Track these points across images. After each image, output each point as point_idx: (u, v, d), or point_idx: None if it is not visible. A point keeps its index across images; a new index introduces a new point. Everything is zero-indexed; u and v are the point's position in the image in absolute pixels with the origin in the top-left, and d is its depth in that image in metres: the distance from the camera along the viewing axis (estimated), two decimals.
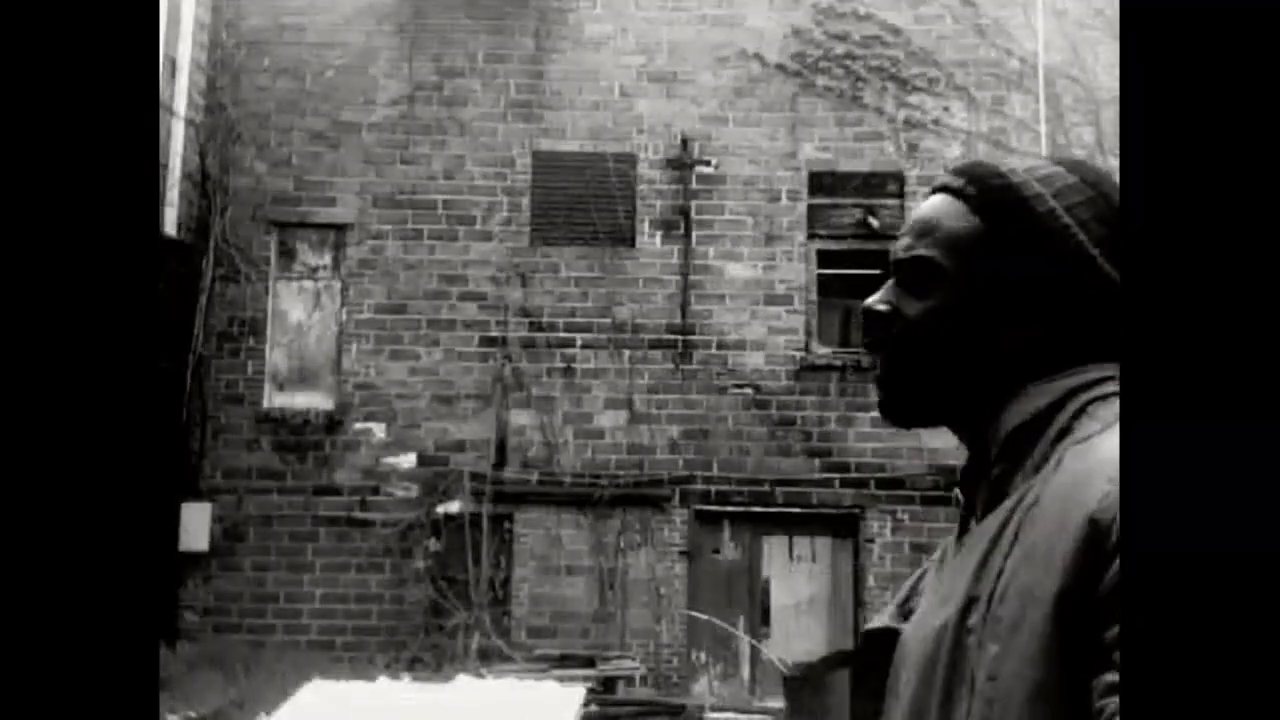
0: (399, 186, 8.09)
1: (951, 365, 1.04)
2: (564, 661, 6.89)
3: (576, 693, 4.71)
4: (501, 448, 7.85)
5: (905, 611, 1.11)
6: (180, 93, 7.85)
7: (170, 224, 7.69)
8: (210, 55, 8.13)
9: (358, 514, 7.77)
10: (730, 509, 7.78)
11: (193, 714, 5.97)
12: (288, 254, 8.14)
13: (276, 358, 8.04)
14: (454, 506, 7.76)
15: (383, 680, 4.92)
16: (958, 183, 1.07)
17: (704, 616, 7.49)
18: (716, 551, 7.89)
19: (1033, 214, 1.02)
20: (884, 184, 8.10)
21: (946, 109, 8.15)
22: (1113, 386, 0.98)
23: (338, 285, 8.08)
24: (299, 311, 8.10)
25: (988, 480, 1.00)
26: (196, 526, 7.60)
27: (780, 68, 8.17)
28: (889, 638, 1.08)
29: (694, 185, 8.07)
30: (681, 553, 7.79)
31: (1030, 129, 8.15)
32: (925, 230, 1.07)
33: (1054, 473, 0.91)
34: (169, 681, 6.38)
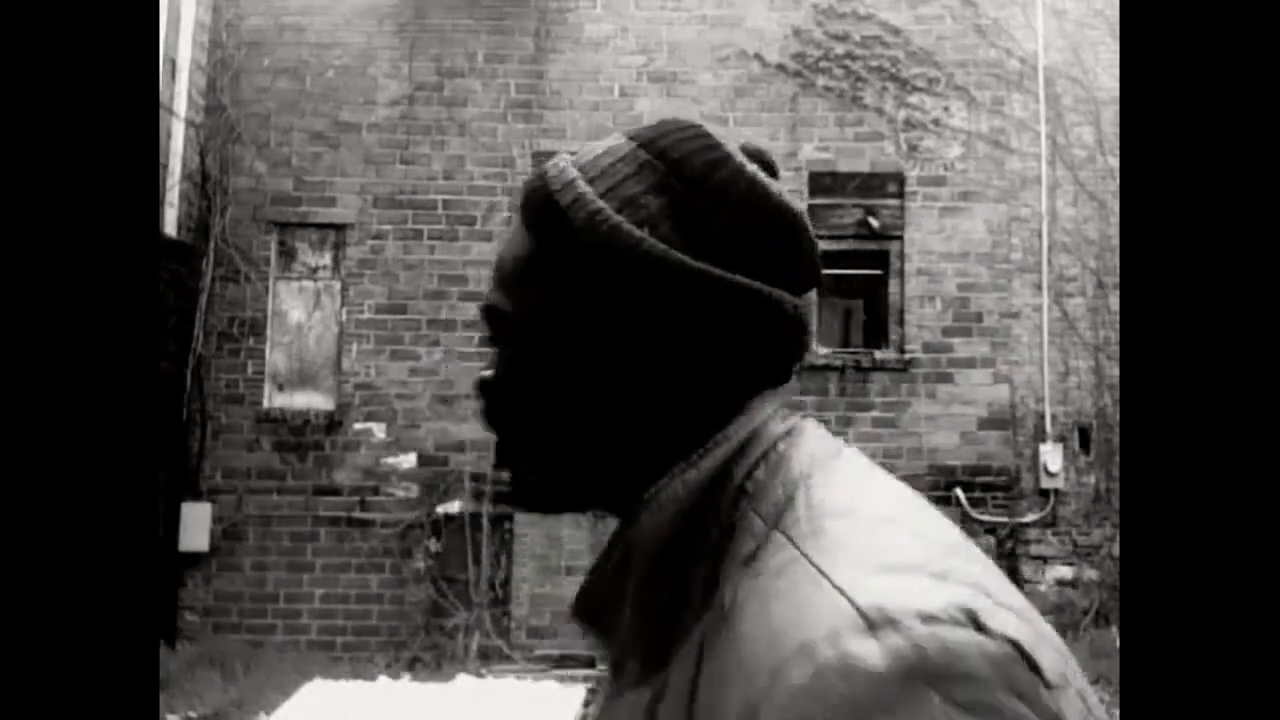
0: (399, 186, 8.09)
1: (550, 434, 0.78)
2: (564, 661, 6.88)
3: (576, 693, 4.71)
4: None
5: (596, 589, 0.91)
6: (180, 93, 7.85)
7: (170, 224, 7.69)
8: (210, 55, 8.13)
9: (358, 514, 7.77)
10: None
11: (193, 714, 5.97)
12: (288, 254, 8.14)
13: (276, 358, 8.04)
14: (454, 506, 7.76)
15: (383, 680, 4.92)
16: (519, 199, 0.84)
17: None
18: None
19: (565, 215, 0.77)
20: (884, 184, 8.10)
21: (946, 109, 8.15)
22: (769, 433, 0.74)
23: (338, 285, 8.08)
24: (299, 311, 8.10)
25: (641, 605, 0.76)
26: (196, 526, 7.60)
27: (780, 68, 8.17)
28: None
29: None
30: None
31: (1030, 129, 8.15)
32: (495, 270, 0.82)
33: (724, 623, 0.66)
34: (169, 681, 6.38)
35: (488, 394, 0.82)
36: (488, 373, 0.82)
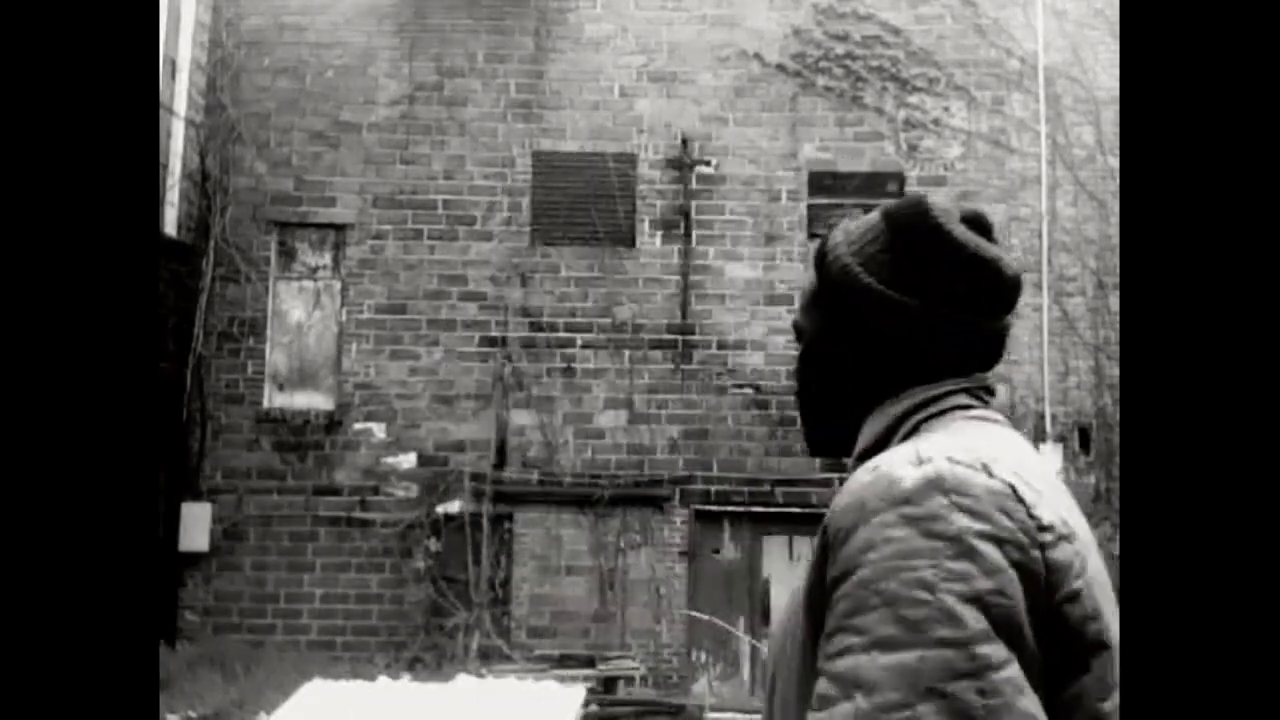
0: (399, 186, 8.09)
1: (818, 403, 1.25)
2: (564, 661, 6.89)
3: (576, 693, 4.71)
4: (501, 448, 7.86)
5: None
6: (180, 93, 7.85)
7: (170, 224, 7.69)
8: (210, 55, 8.13)
9: (358, 514, 7.77)
10: (730, 509, 7.79)
11: (193, 714, 5.97)
12: (288, 254, 8.14)
13: (276, 358, 8.04)
14: (454, 506, 7.76)
15: (383, 680, 4.92)
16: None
17: (704, 616, 7.49)
18: (716, 551, 7.89)
19: (827, 264, 1.22)
20: (884, 184, 8.10)
21: (946, 109, 8.15)
22: (939, 405, 1.13)
23: (338, 285, 8.08)
24: (299, 311, 8.10)
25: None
26: (196, 526, 7.60)
27: (780, 68, 8.17)
28: None
29: (694, 185, 8.08)
30: (681, 553, 7.79)
31: (1030, 129, 8.15)
32: (801, 297, 1.30)
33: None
34: (169, 681, 6.38)
35: (798, 376, 1.29)
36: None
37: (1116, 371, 8.00)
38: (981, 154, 8.12)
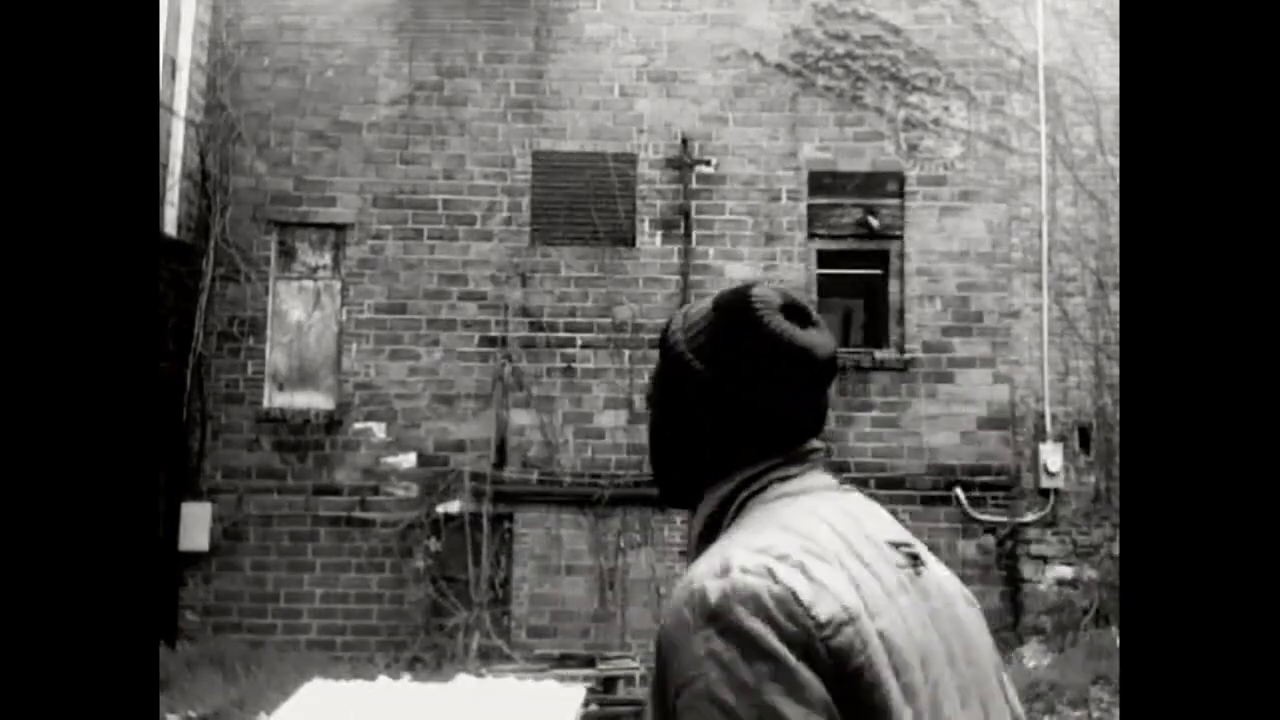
0: (399, 186, 8.09)
1: (663, 467, 1.41)
2: (564, 661, 6.88)
3: (576, 692, 4.71)
4: (501, 448, 7.86)
5: None
6: (180, 93, 7.85)
7: (170, 224, 7.69)
8: (210, 55, 8.13)
9: (358, 514, 7.77)
10: None
11: (193, 714, 5.97)
12: (288, 254, 8.14)
13: (276, 358, 8.04)
14: (454, 506, 7.76)
15: (383, 680, 4.91)
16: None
17: None
18: None
19: (666, 347, 1.38)
20: (884, 184, 8.10)
21: (946, 109, 8.15)
22: (759, 484, 1.28)
23: (338, 285, 8.08)
24: (299, 311, 8.10)
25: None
26: (196, 526, 7.60)
27: (780, 68, 8.17)
28: None
29: (694, 185, 8.08)
30: (681, 552, 7.79)
31: (1030, 129, 8.16)
32: (651, 372, 1.47)
33: None
34: (169, 681, 6.38)
35: (649, 440, 1.45)
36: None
37: (1116, 371, 8.00)
38: (981, 154, 8.12)
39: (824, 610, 1.12)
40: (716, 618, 1.10)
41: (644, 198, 8.07)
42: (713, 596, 1.11)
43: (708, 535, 1.27)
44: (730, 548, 1.18)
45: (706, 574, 1.14)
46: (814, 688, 1.07)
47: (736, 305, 1.33)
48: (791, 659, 1.07)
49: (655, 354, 1.37)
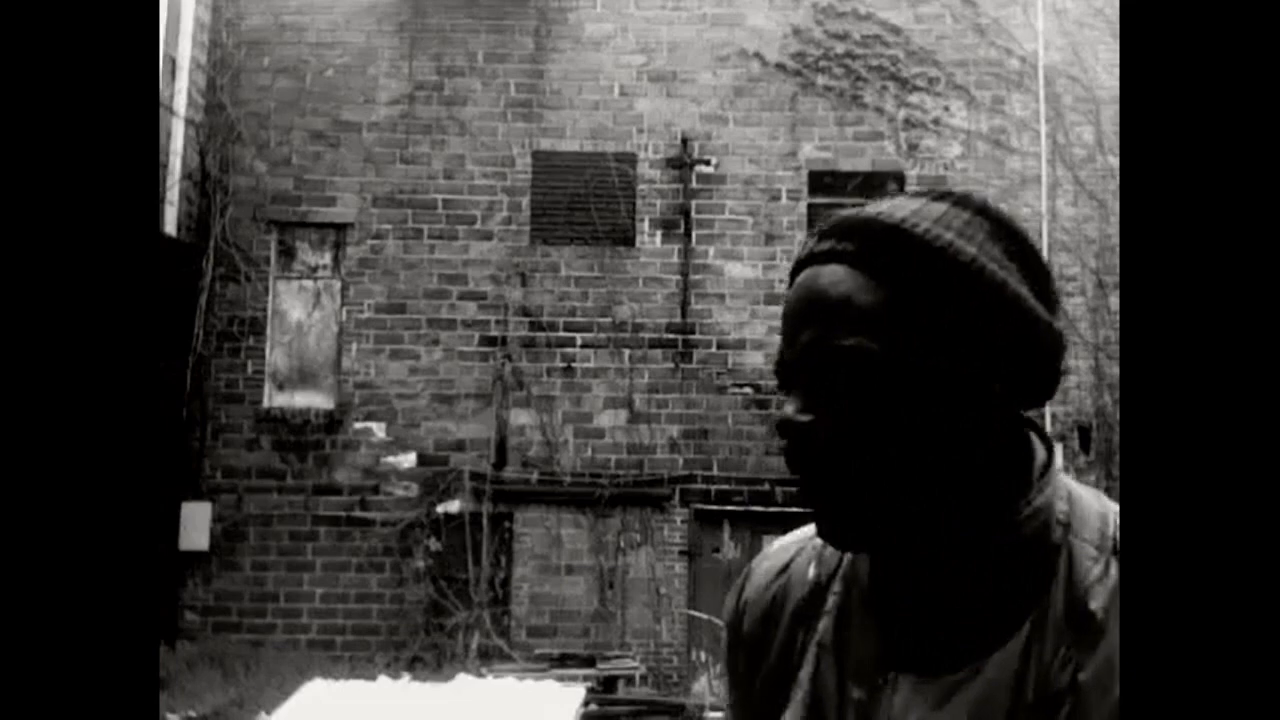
0: (399, 186, 8.09)
1: (894, 474, 0.83)
2: (564, 661, 6.89)
3: (576, 693, 4.71)
4: (501, 447, 7.86)
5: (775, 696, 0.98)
6: (180, 93, 7.85)
7: (170, 224, 7.69)
8: (210, 55, 8.13)
9: (358, 513, 7.77)
10: (730, 509, 7.78)
11: (193, 713, 5.97)
12: (288, 254, 8.14)
13: (276, 357, 8.04)
14: (454, 506, 7.76)
15: (383, 680, 4.92)
16: (843, 245, 0.87)
17: (704, 616, 7.48)
18: (716, 551, 7.89)
19: (949, 266, 0.84)
20: (884, 184, 8.10)
21: (946, 109, 8.15)
22: (1060, 473, 0.88)
23: (338, 285, 8.08)
24: (299, 311, 8.10)
25: (969, 606, 0.85)
26: (196, 526, 7.60)
27: (780, 67, 8.17)
28: None
29: (694, 185, 8.07)
30: (681, 552, 7.79)
31: (1030, 129, 8.15)
32: (833, 311, 0.84)
33: (1110, 629, 0.77)
34: (169, 681, 6.38)
35: (812, 437, 0.84)
36: (805, 417, 0.84)
37: (1116, 371, 8.00)
38: (981, 153, 8.12)
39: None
40: None
41: (644, 197, 8.07)
42: None
43: (1016, 570, 0.84)
44: None
45: None
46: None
47: (999, 212, 0.93)
48: None
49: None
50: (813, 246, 0.89)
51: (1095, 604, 0.78)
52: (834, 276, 0.85)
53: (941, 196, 0.91)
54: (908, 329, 0.82)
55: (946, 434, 0.83)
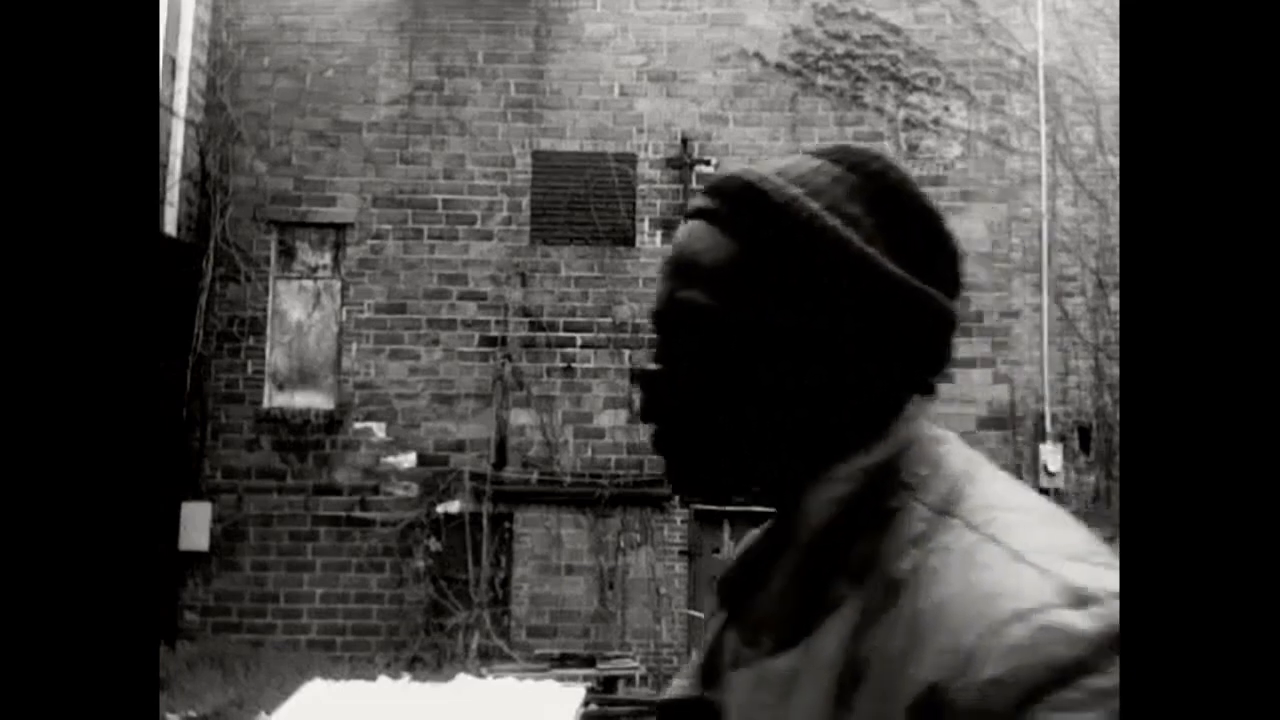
0: (399, 186, 8.09)
1: (733, 426, 0.84)
2: (564, 661, 6.89)
3: (576, 693, 4.71)
4: (501, 448, 7.86)
5: (710, 670, 0.98)
6: (180, 93, 7.85)
7: (170, 224, 7.69)
8: (210, 55, 8.13)
9: (358, 514, 7.77)
10: (730, 509, 7.79)
11: (193, 713, 5.97)
12: (288, 254, 8.14)
13: (276, 357, 8.04)
14: (454, 506, 7.76)
15: (383, 680, 4.91)
16: (707, 202, 0.88)
17: (704, 616, 7.48)
18: (717, 551, 7.90)
19: (790, 221, 0.83)
20: None
21: (946, 109, 8.15)
22: (931, 436, 0.84)
23: (338, 285, 8.08)
24: (299, 311, 8.10)
25: (797, 578, 0.84)
26: (196, 526, 7.60)
27: (780, 67, 8.17)
28: (694, 709, 0.95)
29: (694, 185, 8.07)
30: (681, 552, 7.79)
31: (1030, 129, 8.15)
32: (682, 267, 0.87)
33: (900, 595, 0.74)
34: (169, 681, 6.38)
35: (660, 386, 0.88)
36: (653, 366, 0.88)
37: (1116, 371, 7.99)
38: (981, 154, 8.12)
39: None
40: (1089, 673, 0.65)
41: (644, 197, 8.07)
42: (1083, 643, 0.66)
43: (838, 530, 0.82)
44: (1044, 558, 0.72)
45: (1046, 603, 0.68)
46: None
47: (883, 170, 0.91)
48: None
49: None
50: (690, 203, 0.91)
51: (903, 564, 0.75)
52: (691, 233, 0.89)
53: (828, 153, 0.91)
54: (750, 285, 0.83)
55: (785, 390, 0.83)
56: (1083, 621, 0.66)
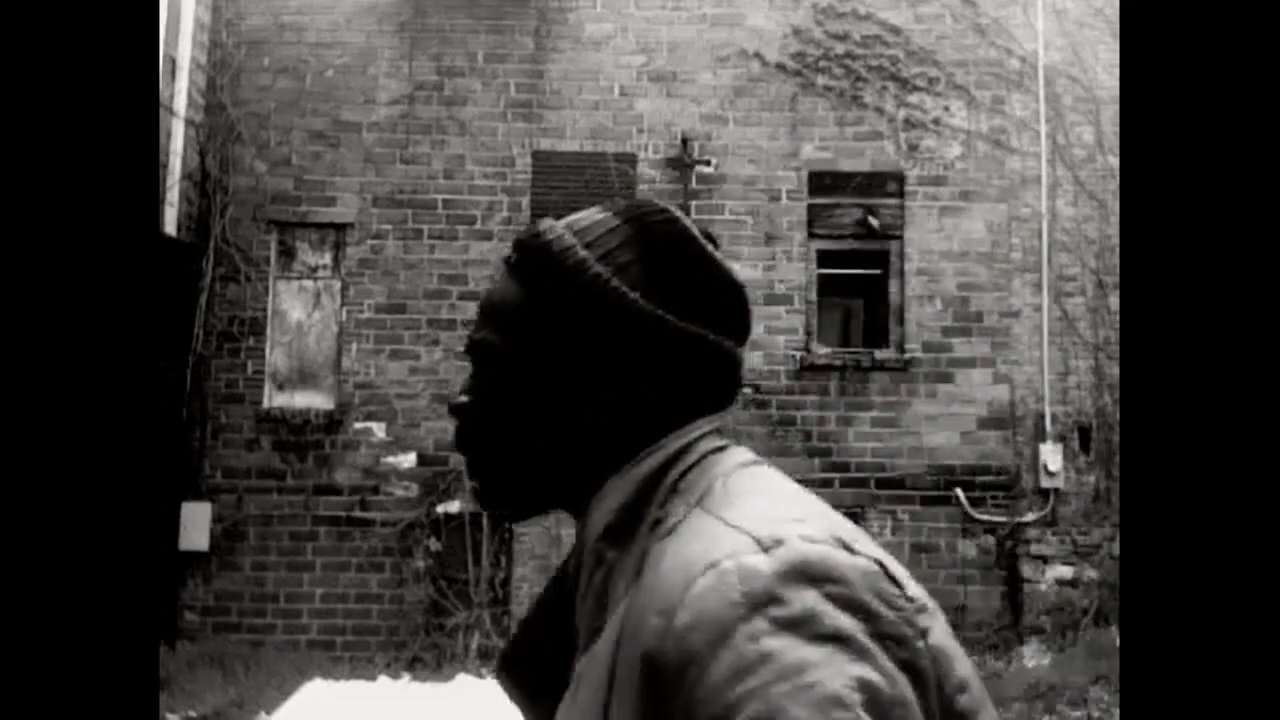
0: (399, 186, 8.09)
1: (524, 451, 0.98)
2: None
3: None
4: None
5: (528, 641, 1.04)
6: (180, 93, 7.85)
7: (170, 224, 7.69)
8: (210, 55, 8.13)
9: (358, 514, 7.77)
10: None
11: (193, 714, 5.97)
12: (288, 254, 8.14)
13: (276, 357, 8.04)
14: (454, 506, 7.76)
15: (383, 680, 4.91)
16: (510, 253, 1.03)
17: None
18: None
19: (562, 268, 0.96)
20: (884, 184, 8.10)
21: (946, 109, 8.15)
22: (701, 448, 0.92)
23: (338, 285, 8.08)
24: (299, 311, 8.10)
25: (589, 584, 0.90)
26: (196, 526, 7.60)
27: (780, 68, 8.17)
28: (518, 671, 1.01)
29: (694, 185, 8.07)
30: None
31: (1030, 129, 8.15)
32: (484, 311, 1.03)
33: (639, 580, 0.82)
34: (169, 681, 6.38)
35: (465, 416, 1.04)
36: (463, 398, 1.03)
37: (1116, 371, 8.00)
38: (981, 154, 8.12)
39: (917, 592, 0.79)
40: (775, 601, 0.72)
41: (644, 197, 8.07)
42: (764, 577, 0.73)
43: (618, 534, 0.88)
44: (747, 521, 0.79)
45: (736, 551, 0.76)
46: (914, 712, 0.72)
47: (666, 221, 1.00)
48: (891, 664, 0.72)
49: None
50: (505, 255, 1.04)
51: (615, 582, 0.85)
52: (498, 282, 1.02)
53: (621, 208, 1.03)
54: (530, 326, 0.97)
55: (561, 418, 0.95)
56: (764, 562, 0.74)
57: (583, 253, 0.96)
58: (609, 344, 0.94)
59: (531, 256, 0.99)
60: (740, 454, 0.94)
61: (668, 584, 0.77)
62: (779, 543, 0.75)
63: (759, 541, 0.76)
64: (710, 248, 1.00)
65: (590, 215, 1.03)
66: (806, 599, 0.72)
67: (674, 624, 0.73)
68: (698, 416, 0.95)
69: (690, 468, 0.90)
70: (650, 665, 0.74)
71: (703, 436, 0.93)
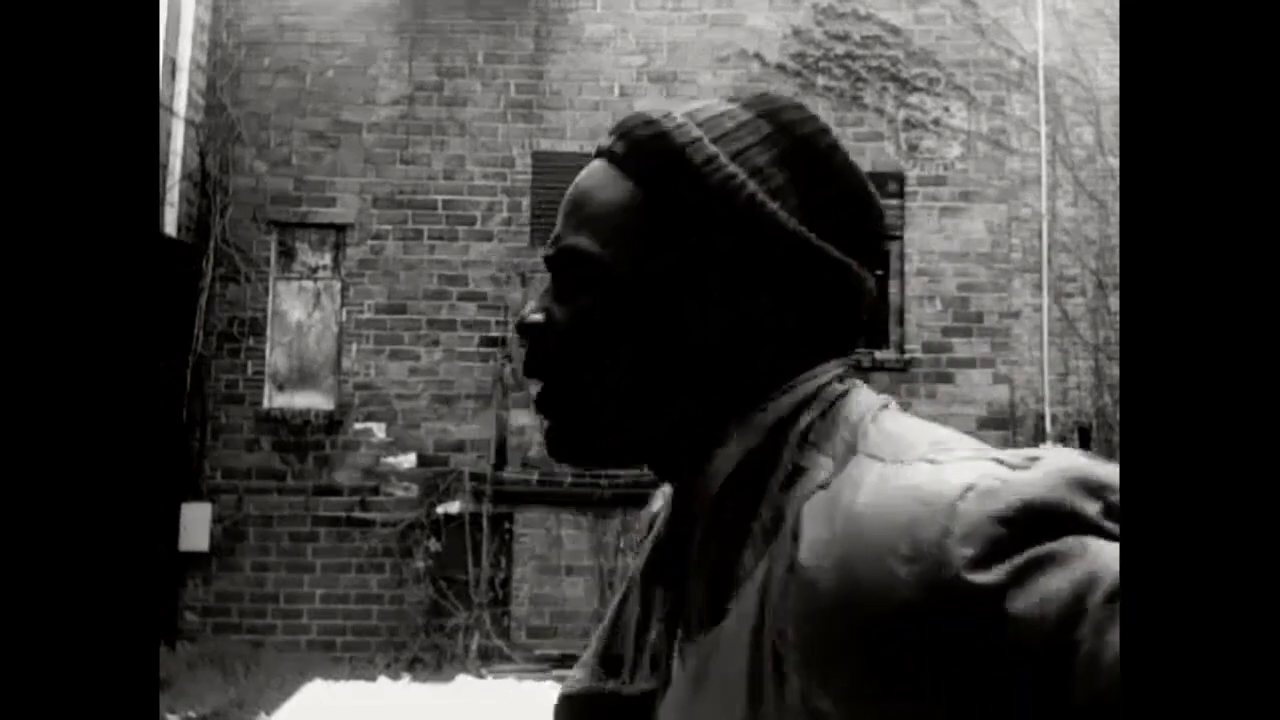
0: (399, 186, 8.09)
1: (618, 384, 0.77)
2: (564, 661, 6.89)
3: None
4: (501, 448, 7.86)
5: (610, 660, 0.88)
6: (180, 93, 7.85)
7: (170, 224, 7.69)
8: (210, 55, 8.13)
9: (358, 514, 7.77)
10: None
11: (193, 714, 5.97)
12: (288, 254, 8.14)
13: (276, 358, 8.04)
14: (454, 506, 7.76)
15: (383, 680, 4.92)
16: (609, 142, 0.82)
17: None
18: None
19: (688, 166, 0.77)
20: (884, 184, 8.10)
21: (946, 109, 8.15)
22: (836, 389, 0.77)
23: (338, 285, 8.08)
24: (299, 311, 8.10)
25: (704, 550, 0.75)
26: (196, 526, 7.60)
27: (780, 68, 8.17)
28: (597, 702, 0.84)
29: None
30: None
31: (1030, 129, 8.16)
32: (574, 210, 0.81)
33: (792, 545, 0.67)
34: (169, 681, 6.38)
35: (542, 336, 0.80)
36: (538, 316, 0.81)
37: (1116, 371, 8.00)
38: (981, 154, 8.12)
39: None
40: (1077, 501, 0.61)
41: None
42: (1048, 478, 0.62)
43: (739, 491, 0.74)
44: (956, 451, 0.66)
45: (987, 473, 0.62)
46: None
47: (798, 120, 0.82)
48: None
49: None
50: (599, 142, 0.84)
51: (787, 512, 0.69)
52: (590, 173, 0.82)
53: (746, 99, 0.84)
54: (641, 232, 0.77)
55: (673, 347, 0.76)
56: (1032, 475, 0.62)
57: (712, 148, 0.78)
58: (732, 258, 0.76)
59: (645, 150, 0.79)
60: (869, 394, 0.79)
61: (889, 531, 0.61)
62: (1033, 459, 0.63)
63: (1005, 463, 0.63)
64: (849, 157, 0.85)
65: (713, 105, 0.83)
66: (1088, 508, 0.62)
67: (949, 557, 0.58)
68: (825, 354, 0.79)
69: (823, 412, 0.75)
70: (890, 623, 0.59)
71: (832, 379, 0.78)
